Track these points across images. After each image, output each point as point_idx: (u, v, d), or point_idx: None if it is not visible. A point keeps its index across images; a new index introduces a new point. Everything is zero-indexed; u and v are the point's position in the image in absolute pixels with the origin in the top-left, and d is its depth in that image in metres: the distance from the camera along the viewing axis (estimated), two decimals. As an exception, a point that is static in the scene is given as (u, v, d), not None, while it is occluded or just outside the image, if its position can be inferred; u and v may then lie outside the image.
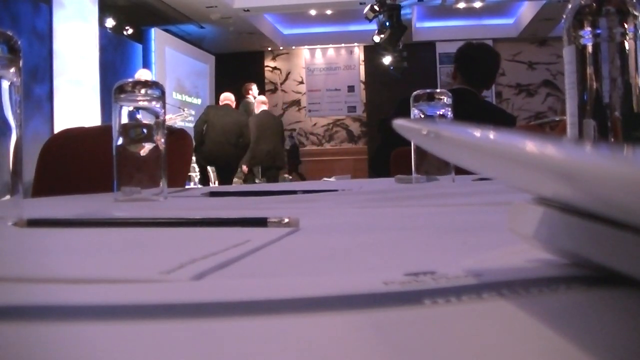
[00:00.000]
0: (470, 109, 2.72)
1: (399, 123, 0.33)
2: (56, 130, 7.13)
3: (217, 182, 7.86)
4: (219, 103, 8.16)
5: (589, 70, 0.86)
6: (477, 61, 3.10)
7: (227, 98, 7.96)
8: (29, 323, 0.25)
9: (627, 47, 0.84)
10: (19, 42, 0.79)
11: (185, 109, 9.10)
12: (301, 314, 0.26)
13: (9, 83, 0.77)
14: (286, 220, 0.58)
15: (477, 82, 3.07)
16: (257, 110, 8.34)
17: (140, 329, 0.24)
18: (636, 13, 0.84)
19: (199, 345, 0.22)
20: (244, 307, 0.27)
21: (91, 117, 8.31)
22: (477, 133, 0.26)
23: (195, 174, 8.61)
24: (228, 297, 0.28)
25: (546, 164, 0.22)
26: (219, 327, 0.24)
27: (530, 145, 0.22)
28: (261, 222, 0.58)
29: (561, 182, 0.23)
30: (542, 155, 0.22)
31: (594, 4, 0.85)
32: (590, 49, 0.86)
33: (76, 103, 8.25)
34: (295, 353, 0.21)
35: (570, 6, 0.88)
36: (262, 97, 8.81)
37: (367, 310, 0.26)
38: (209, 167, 7.91)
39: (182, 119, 8.96)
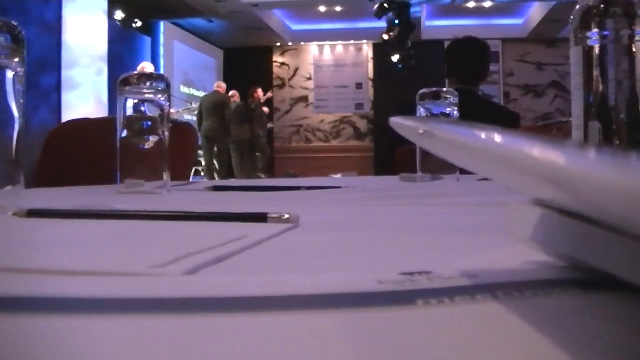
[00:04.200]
0: (471, 109, 2.70)
1: (395, 121, 0.33)
2: (63, 121, 7.15)
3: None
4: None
5: (595, 72, 0.85)
6: (467, 58, 3.01)
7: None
8: (20, 315, 0.25)
9: (634, 50, 0.84)
10: (23, 33, 0.79)
11: (193, 103, 9.24)
12: (293, 311, 0.26)
13: (13, 73, 0.77)
14: (286, 216, 0.58)
15: (472, 78, 2.99)
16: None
17: (129, 323, 0.24)
18: (643, 15, 0.84)
19: (186, 341, 0.22)
20: (234, 303, 0.27)
21: (99, 109, 8.34)
22: (472, 133, 0.26)
23: (202, 168, 8.79)
24: (218, 293, 0.28)
25: (539, 170, 0.21)
26: (207, 323, 0.24)
27: (524, 149, 0.22)
28: (261, 218, 0.58)
29: (555, 188, 0.22)
30: (535, 161, 0.21)
31: (602, 6, 0.85)
32: (597, 50, 0.85)
33: (84, 95, 8.27)
34: (286, 351, 0.21)
35: (577, 7, 0.88)
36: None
37: (360, 310, 0.26)
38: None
39: (189, 113, 9.12)
